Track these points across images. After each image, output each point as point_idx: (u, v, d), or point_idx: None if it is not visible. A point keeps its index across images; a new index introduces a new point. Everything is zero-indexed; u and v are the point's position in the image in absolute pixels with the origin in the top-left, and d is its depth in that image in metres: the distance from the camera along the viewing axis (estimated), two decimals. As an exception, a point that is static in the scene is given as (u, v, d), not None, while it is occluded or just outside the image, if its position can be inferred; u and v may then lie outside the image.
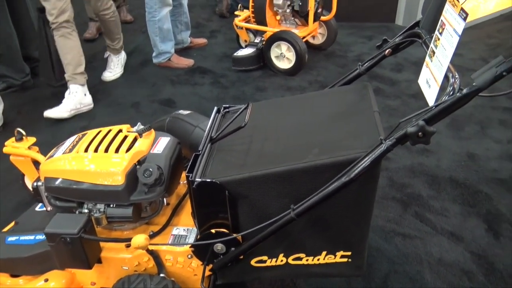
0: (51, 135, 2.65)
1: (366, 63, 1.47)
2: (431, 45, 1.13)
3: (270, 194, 1.18)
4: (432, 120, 0.99)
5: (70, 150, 1.38)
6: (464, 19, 0.95)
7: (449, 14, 1.04)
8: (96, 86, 3.23)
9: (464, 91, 0.96)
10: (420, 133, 0.97)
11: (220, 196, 1.18)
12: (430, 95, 1.08)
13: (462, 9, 0.97)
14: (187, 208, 1.51)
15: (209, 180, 1.17)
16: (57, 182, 1.35)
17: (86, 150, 1.36)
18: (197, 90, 3.14)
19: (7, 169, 2.27)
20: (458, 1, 1.03)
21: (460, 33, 0.96)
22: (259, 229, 1.17)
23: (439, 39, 1.08)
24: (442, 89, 1.03)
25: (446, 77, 1.02)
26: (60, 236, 1.23)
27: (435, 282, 1.63)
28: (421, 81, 1.18)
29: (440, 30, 1.08)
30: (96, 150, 1.35)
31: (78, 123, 2.79)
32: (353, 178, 1.06)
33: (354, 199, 1.17)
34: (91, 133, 1.45)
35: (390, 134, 1.04)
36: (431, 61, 1.11)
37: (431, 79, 1.09)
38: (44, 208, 1.53)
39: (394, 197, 2.04)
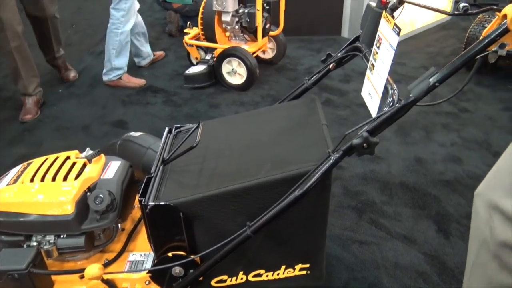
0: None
1: (313, 77, 1.51)
2: (371, 58, 1.19)
3: (225, 213, 1.18)
4: (375, 131, 1.03)
5: (15, 181, 1.32)
6: (398, 34, 1.00)
7: (384, 29, 1.10)
8: (43, 110, 3.11)
9: (402, 102, 1.02)
10: (364, 144, 1.01)
11: (174, 218, 1.17)
12: (373, 106, 1.13)
13: (395, 24, 1.02)
14: (143, 232, 1.48)
15: (162, 203, 1.15)
16: (1, 216, 1.28)
17: (32, 180, 1.30)
18: (149, 110, 3.09)
19: None
20: (393, 17, 1.09)
21: (395, 47, 1.02)
22: (216, 249, 1.17)
23: (377, 53, 1.13)
24: (384, 99, 1.08)
25: (385, 89, 1.08)
26: (7, 273, 1.17)
27: (392, 285, 1.67)
28: (364, 93, 1.23)
29: (378, 45, 1.13)
30: (42, 179, 1.30)
31: (22, 150, 2.66)
32: (305, 191, 1.08)
33: (308, 211, 1.20)
34: (36, 161, 1.40)
35: (337, 147, 1.07)
36: (371, 74, 1.17)
37: (372, 91, 1.14)
38: (-11, 244, 1.45)
39: (349, 205, 2.10)
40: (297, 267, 1.30)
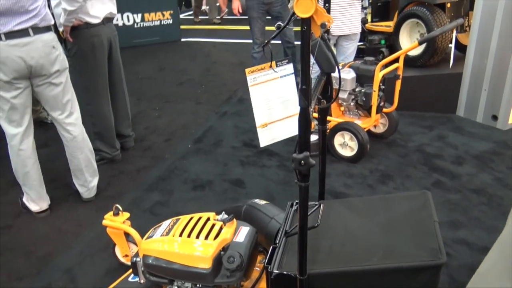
0: (133, 206, 2.98)
1: None
2: None
3: (337, 290, 1.34)
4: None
5: (167, 233, 1.65)
6: None
7: None
8: (174, 163, 3.60)
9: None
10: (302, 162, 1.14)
11: (293, 287, 1.37)
12: None
13: None
14: (259, 292, 1.70)
15: (285, 272, 1.36)
16: (153, 260, 1.60)
17: (180, 235, 1.62)
18: (264, 172, 3.40)
19: (96, 236, 2.59)
20: None
21: None
22: None
23: None
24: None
25: None
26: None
27: None
28: None
29: None
30: (189, 236, 1.61)
31: (157, 196, 3.11)
32: None
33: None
34: (184, 218, 1.72)
35: None
36: None
37: None
38: (137, 279, 1.78)
39: (455, 296, 2.09)
40: None
